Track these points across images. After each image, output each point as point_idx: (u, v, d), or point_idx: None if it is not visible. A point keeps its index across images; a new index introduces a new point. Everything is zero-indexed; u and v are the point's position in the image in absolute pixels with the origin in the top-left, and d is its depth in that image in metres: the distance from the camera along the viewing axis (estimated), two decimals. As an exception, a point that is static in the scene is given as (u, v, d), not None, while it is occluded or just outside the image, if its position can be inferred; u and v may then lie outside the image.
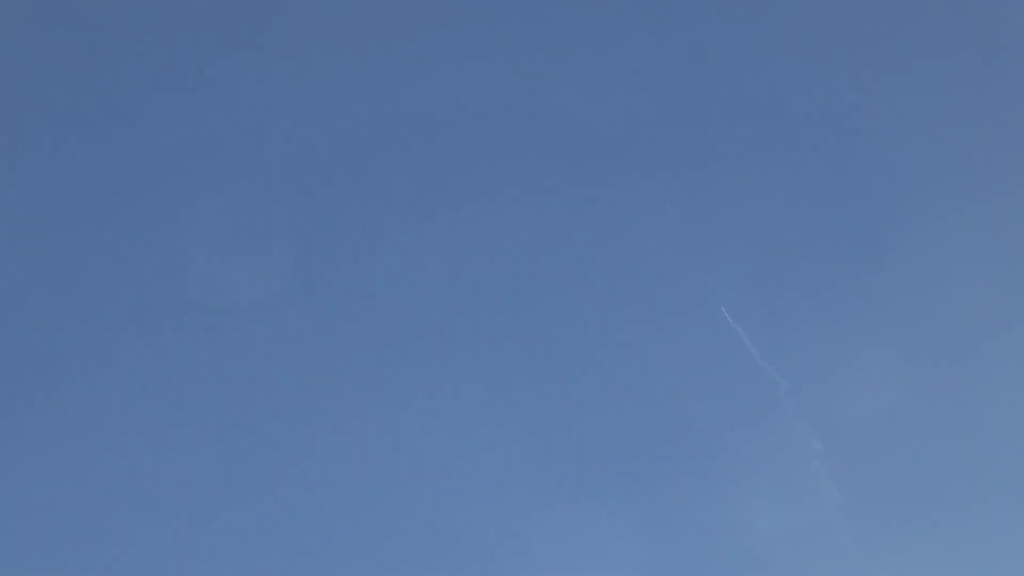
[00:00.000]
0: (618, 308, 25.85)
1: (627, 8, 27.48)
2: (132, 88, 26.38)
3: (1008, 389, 24.97)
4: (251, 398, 24.66)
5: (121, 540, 23.47)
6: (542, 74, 27.25)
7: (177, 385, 24.67)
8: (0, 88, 25.97)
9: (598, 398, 25.31)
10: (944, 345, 25.44)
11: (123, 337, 25.05)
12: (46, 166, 25.93)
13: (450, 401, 24.89)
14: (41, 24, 26.49)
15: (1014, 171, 26.48)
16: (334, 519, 23.97)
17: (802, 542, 24.10)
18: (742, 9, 27.53)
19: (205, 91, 26.66)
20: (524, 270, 26.02)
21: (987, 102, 27.09)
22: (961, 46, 27.32)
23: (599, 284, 26.04)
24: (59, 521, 23.51)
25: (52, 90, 26.17)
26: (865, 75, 27.27)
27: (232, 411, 24.55)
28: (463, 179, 26.52)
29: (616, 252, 26.19)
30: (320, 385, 24.66)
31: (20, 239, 25.54)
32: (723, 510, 24.39)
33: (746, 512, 24.24)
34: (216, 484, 24.07)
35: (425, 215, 26.24)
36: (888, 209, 26.51)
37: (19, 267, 25.32)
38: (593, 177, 26.77)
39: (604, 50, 27.32)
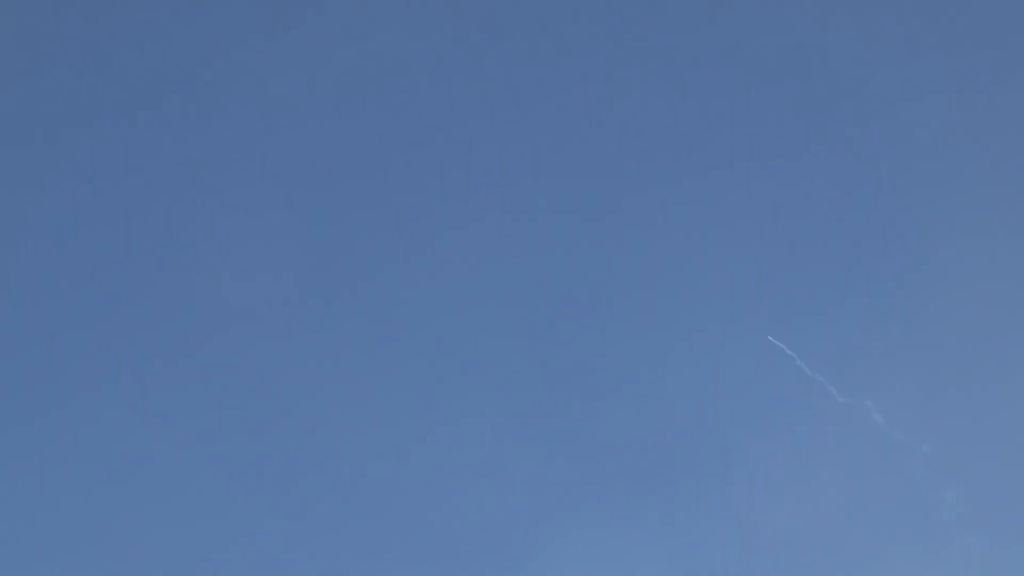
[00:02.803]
0: (639, 314, 26.19)
1: (644, 17, 27.78)
2: (150, 94, 26.96)
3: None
4: (269, 399, 25.19)
5: (129, 537, 24.01)
6: (559, 83, 27.75)
7: (193, 385, 25.30)
8: (16, 95, 26.33)
9: (614, 404, 25.66)
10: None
11: (144, 339, 25.70)
12: (66, 173, 26.49)
13: (475, 405, 25.35)
14: (54, 31, 27.04)
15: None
16: (348, 520, 24.52)
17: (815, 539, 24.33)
18: (758, 16, 27.81)
19: (224, 96, 27.22)
20: (544, 275, 26.40)
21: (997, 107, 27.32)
22: (972, 51, 27.53)
23: (621, 290, 26.39)
24: (68, 517, 24.01)
25: (68, 95, 26.81)
26: (885, 86, 27.53)
27: (248, 411, 25.06)
28: (481, 187, 26.92)
29: (640, 259, 26.64)
30: (336, 387, 25.19)
31: (35, 244, 26.15)
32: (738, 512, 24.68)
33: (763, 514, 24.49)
34: (230, 484, 24.59)
35: (443, 222, 26.63)
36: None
37: (32, 272, 25.83)
38: (618, 185, 27.13)
39: (623, 59, 27.70)
